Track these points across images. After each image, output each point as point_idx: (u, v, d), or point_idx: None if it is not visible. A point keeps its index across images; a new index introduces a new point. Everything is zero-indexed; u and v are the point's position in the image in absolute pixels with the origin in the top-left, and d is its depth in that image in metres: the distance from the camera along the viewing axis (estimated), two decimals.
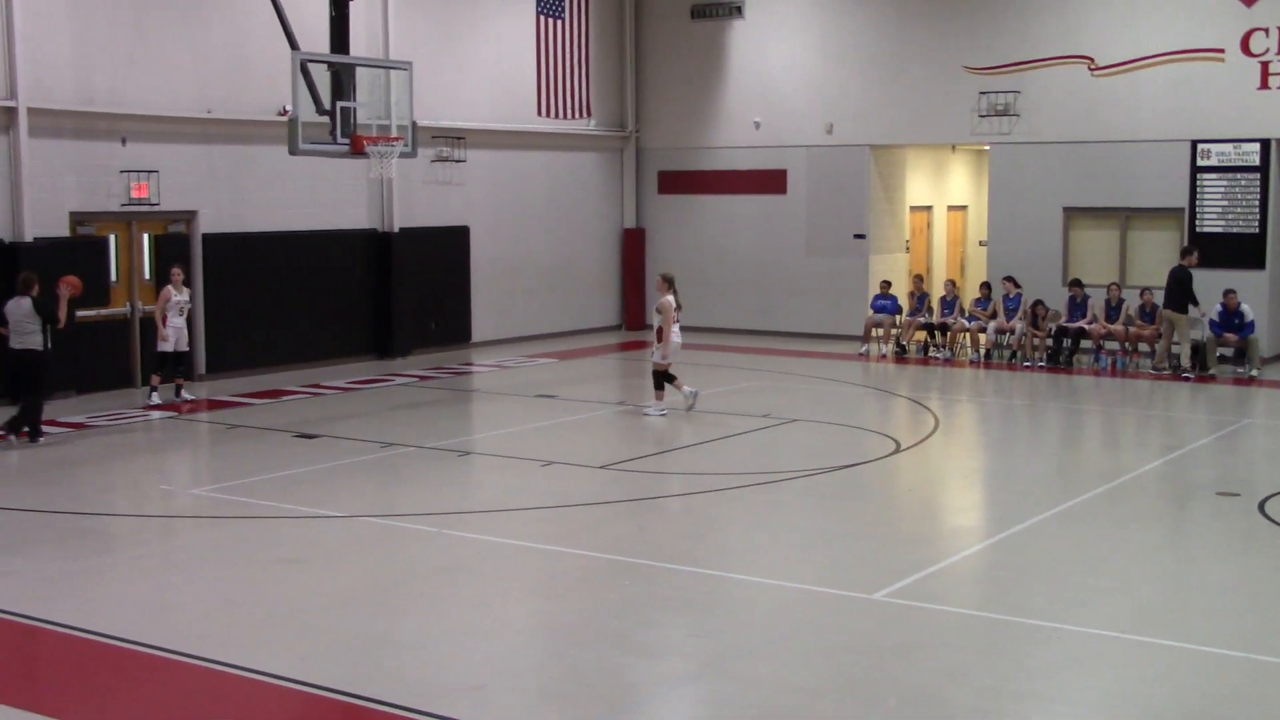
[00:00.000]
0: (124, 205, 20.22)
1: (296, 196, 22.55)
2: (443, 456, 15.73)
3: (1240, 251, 23.03)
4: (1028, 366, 22.98)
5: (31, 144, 19.03)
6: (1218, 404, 19.89)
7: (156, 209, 20.61)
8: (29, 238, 19.06)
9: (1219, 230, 23.25)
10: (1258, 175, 22.87)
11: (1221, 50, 22.98)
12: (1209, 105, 23.14)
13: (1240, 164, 23.00)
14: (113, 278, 20.47)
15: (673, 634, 9.52)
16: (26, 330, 16.33)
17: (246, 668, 8.69)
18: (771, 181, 27.55)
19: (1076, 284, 23.52)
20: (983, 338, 24.08)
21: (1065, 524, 12.61)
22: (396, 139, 18.98)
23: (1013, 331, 23.65)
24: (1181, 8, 23.34)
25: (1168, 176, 23.56)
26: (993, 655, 9.08)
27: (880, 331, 24.93)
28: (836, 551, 11.69)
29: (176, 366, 19.34)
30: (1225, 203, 23.20)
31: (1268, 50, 22.62)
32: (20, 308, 16.35)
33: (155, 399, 18.97)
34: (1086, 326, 23.14)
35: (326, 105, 18.47)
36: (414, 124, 19.52)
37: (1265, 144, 22.77)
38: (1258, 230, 22.98)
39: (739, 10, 27.57)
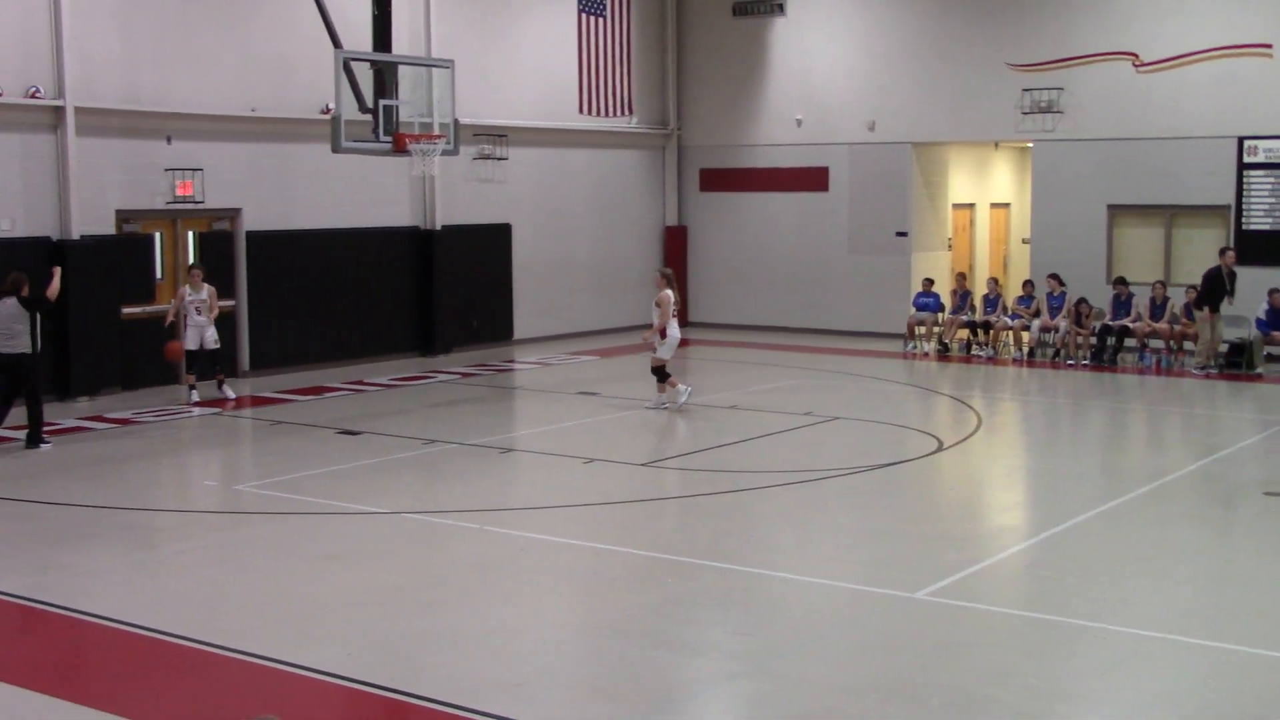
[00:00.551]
0: (169, 203, 20.37)
1: (339, 194, 22.67)
2: (485, 453, 15.77)
3: None
4: (1071, 365, 22.83)
5: (79, 143, 19.19)
6: (1264, 403, 19.71)
7: (201, 207, 20.76)
8: (76, 235, 19.22)
9: (1266, 227, 23.03)
10: None
11: (1269, 45, 22.74)
12: (1256, 101, 22.92)
13: None
14: (158, 275, 20.63)
15: (714, 632, 9.52)
16: (14, 333, 15.88)
17: (290, 663, 8.75)
18: (813, 179, 27.48)
19: (1121, 282, 23.35)
20: (1026, 336, 23.94)
21: (1109, 523, 12.52)
22: (438, 137, 19.04)
23: (1056, 330, 23.50)
24: (1228, 2, 23.13)
25: (1214, 173, 23.35)
26: (1036, 655, 9.03)
27: (923, 329, 24.83)
28: (878, 550, 11.65)
29: (212, 365, 19.40)
30: (1273, 199, 22.97)
31: None
32: (5, 309, 15.89)
33: (195, 396, 19.03)
34: (1131, 325, 22.97)
35: (369, 103, 18.54)
36: (456, 122, 19.58)
37: None
38: None
39: (781, 7, 27.51)
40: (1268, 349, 22.17)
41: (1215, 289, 21.73)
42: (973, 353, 24.27)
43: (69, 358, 19.20)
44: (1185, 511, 13.15)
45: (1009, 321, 24.17)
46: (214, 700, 8.34)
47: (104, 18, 19.55)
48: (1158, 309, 22.89)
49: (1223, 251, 22.15)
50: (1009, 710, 8.05)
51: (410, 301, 24.03)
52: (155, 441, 16.71)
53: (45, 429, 16.17)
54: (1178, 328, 22.56)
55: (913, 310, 25.22)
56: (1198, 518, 13.04)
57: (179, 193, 20.39)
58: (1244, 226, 23.17)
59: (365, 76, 18.65)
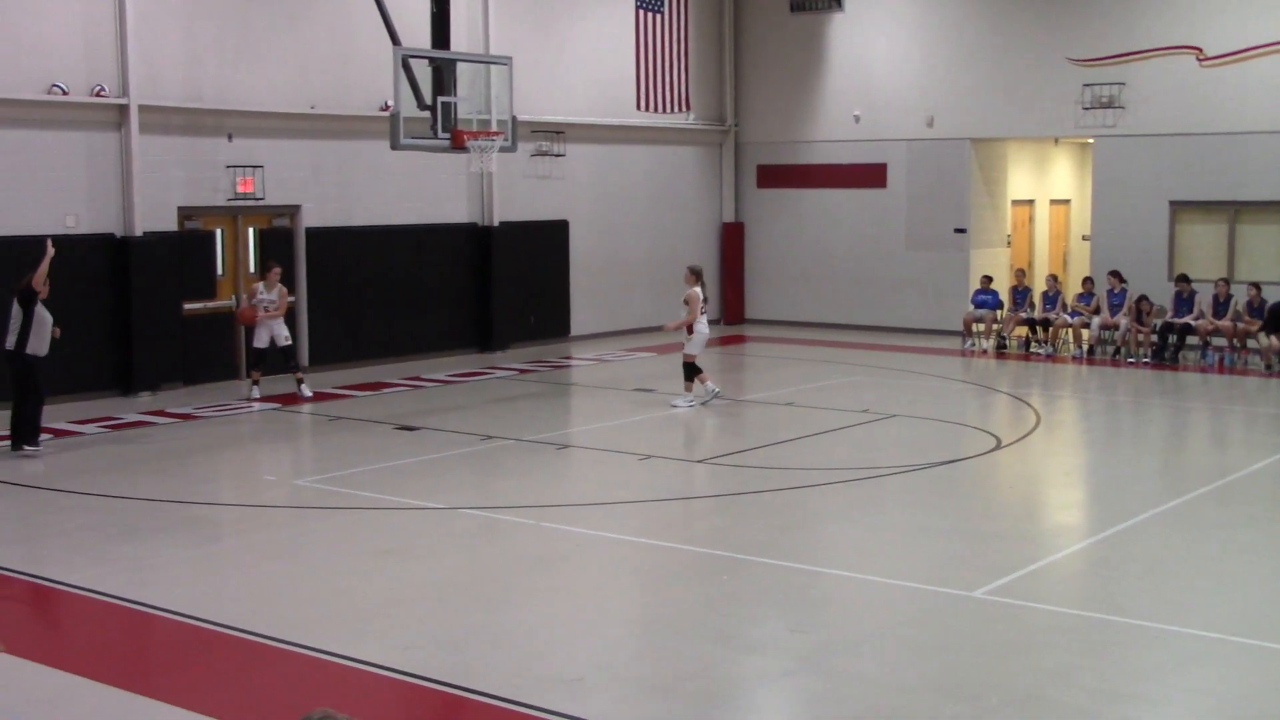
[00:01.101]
0: (230, 200, 20.57)
1: (398, 191, 22.80)
2: (542, 450, 15.82)
3: None
4: (1132, 363, 22.62)
5: (142, 140, 19.40)
6: None
7: (261, 203, 20.94)
8: (139, 232, 19.43)
9: None
10: None
11: None
12: None
13: None
14: (219, 271, 20.83)
15: (770, 629, 9.50)
16: (8, 329, 15.38)
17: (349, 657, 8.81)
18: (871, 175, 27.36)
19: (1183, 279, 23.10)
20: (1085, 333, 23.75)
21: (1170, 523, 12.40)
22: (496, 134, 19.09)
23: (1117, 327, 23.29)
24: None
25: (1279, 169, 23.06)
26: (1096, 655, 8.96)
27: (981, 327, 24.68)
28: (936, 548, 11.59)
29: (286, 362, 19.44)
30: None
31: None
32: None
33: (256, 393, 19.13)
34: (1193, 322, 22.72)
35: (428, 100, 18.62)
36: (514, 118, 19.63)
37: None
38: None
39: (838, 3, 27.40)
40: None
41: (1274, 321, 21.53)
42: (1031, 350, 24.09)
43: (131, 353, 19.41)
44: (1248, 512, 12.99)
45: (1068, 319, 23.98)
46: (272, 693, 8.42)
47: (167, 17, 19.75)
48: (1220, 306, 22.64)
49: None
50: (1069, 710, 7.99)
51: (468, 298, 24.13)
52: (216, 436, 16.87)
53: (94, 424, 16.26)
54: (1241, 325, 22.30)
55: (971, 307, 25.06)
56: (1262, 519, 12.88)
57: (240, 190, 20.58)
58: None
59: (424, 73, 18.73)
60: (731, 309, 28.98)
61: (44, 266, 15.21)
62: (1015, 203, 28.04)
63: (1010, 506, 13.72)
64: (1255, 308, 22.27)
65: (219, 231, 20.85)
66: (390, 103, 19.06)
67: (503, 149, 19.47)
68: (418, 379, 21.09)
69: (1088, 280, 24.37)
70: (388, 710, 8.23)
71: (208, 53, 20.26)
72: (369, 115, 21.82)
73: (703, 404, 18.20)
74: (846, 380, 20.91)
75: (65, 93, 18.68)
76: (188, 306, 20.18)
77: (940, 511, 12.96)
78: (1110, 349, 23.44)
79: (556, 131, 24.93)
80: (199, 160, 20.22)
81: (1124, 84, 24.35)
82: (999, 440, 16.28)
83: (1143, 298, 23.08)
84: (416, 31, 20.05)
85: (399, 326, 22.90)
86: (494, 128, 19.13)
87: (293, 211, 21.53)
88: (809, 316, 28.00)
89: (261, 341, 19.15)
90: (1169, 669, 8.70)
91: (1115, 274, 23.66)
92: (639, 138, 27.14)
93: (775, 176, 28.71)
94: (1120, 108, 24.41)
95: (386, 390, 20.13)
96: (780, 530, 12.22)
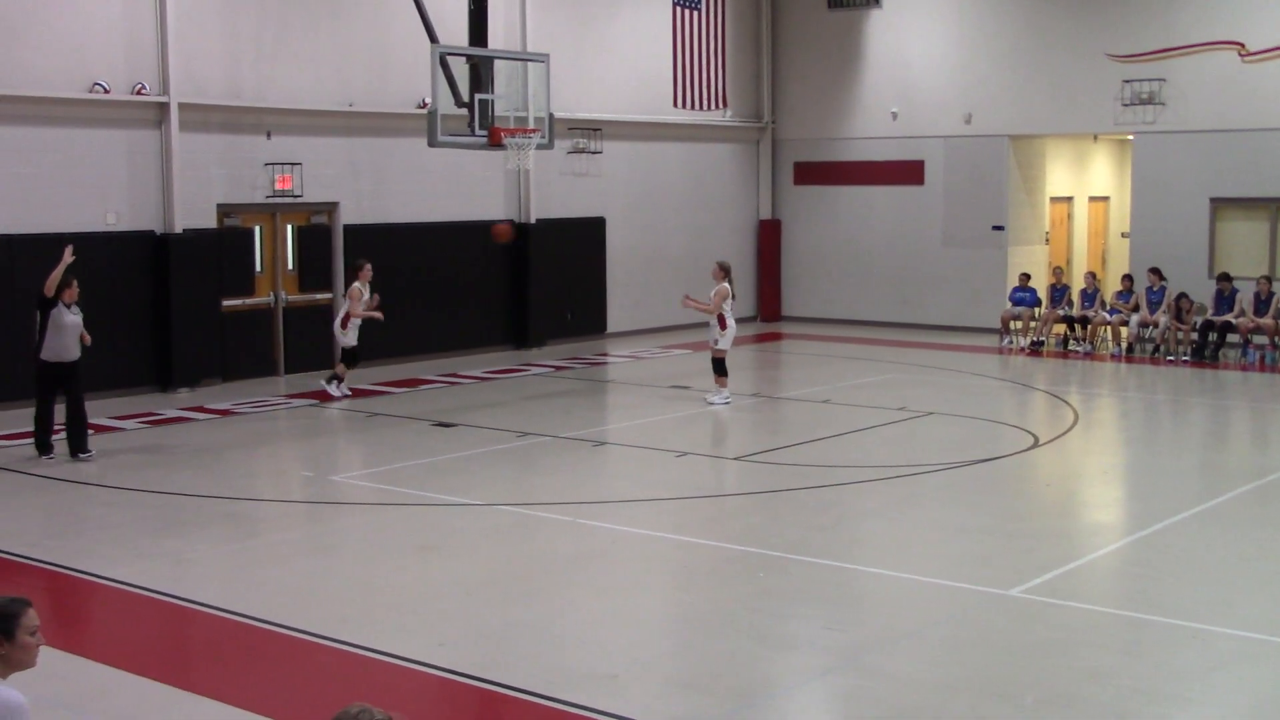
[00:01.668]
0: (268, 197, 20.67)
1: (435, 188, 22.86)
2: (578, 446, 15.84)
3: None
4: (1171, 361, 22.48)
5: (182, 138, 19.52)
6: None
7: (300, 200, 21.04)
8: (178, 229, 19.57)
9: None
10: None
11: None
12: None
13: None
14: (258, 268, 20.94)
15: (806, 626, 9.49)
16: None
17: (386, 652, 8.85)
18: (909, 172, 27.27)
19: (1224, 278, 22.93)
20: (1124, 331, 23.60)
21: (1209, 523, 12.31)
22: (534, 131, 19.13)
23: (1156, 325, 23.14)
24: None
25: None
26: (1134, 655, 8.91)
27: (1019, 324, 24.56)
28: (973, 546, 11.55)
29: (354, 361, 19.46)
30: None
31: None
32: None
33: (336, 391, 19.00)
34: (1234, 320, 22.56)
35: (465, 98, 18.67)
36: (551, 116, 19.67)
37: None
38: None
39: (877, 0, 27.33)
40: None
41: None
42: (1070, 348, 23.97)
43: (170, 349, 19.54)
44: None
45: (1107, 316, 23.84)
46: (309, 687, 8.47)
47: (206, 15, 19.87)
48: (1262, 304, 22.46)
49: None
50: (1106, 710, 7.95)
51: (504, 295, 24.18)
52: (254, 432, 16.97)
53: (133, 420, 16.15)
54: None
55: (1009, 305, 24.95)
56: None
57: (278, 187, 20.68)
58: None
59: (461, 71, 18.79)
60: (768, 306, 28.94)
61: (56, 272, 14.58)
62: (1054, 200, 27.89)
63: (1047, 505, 13.65)
64: None
65: (258, 229, 20.96)
66: (428, 100, 19.12)
67: (540, 146, 19.52)
68: (454, 375, 21.15)
69: (1127, 278, 24.21)
70: (424, 705, 8.27)
71: (247, 50, 20.38)
72: (407, 113, 21.90)
73: (718, 402, 18.17)
74: (883, 378, 20.85)
75: (107, 91, 18.83)
76: (226, 303, 20.30)
77: (977, 510, 12.91)
78: (1149, 347, 23.29)
79: (593, 129, 24.95)
80: (238, 158, 20.34)
81: (1164, 80, 24.18)
82: (1037, 438, 16.20)
83: (1182, 295, 22.93)
84: (454, 29, 20.11)
85: (436, 323, 22.97)
86: (531, 125, 19.17)
87: (331, 209, 21.63)
88: (846, 314, 27.93)
89: (353, 340, 19.12)
90: (1206, 669, 8.64)
91: (1155, 271, 23.51)
92: (676, 135, 27.13)
93: (812, 173, 28.65)
94: (1160, 104, 24.24)
95: (423, 387, 20.20)
96: (816, 528, 12.20)
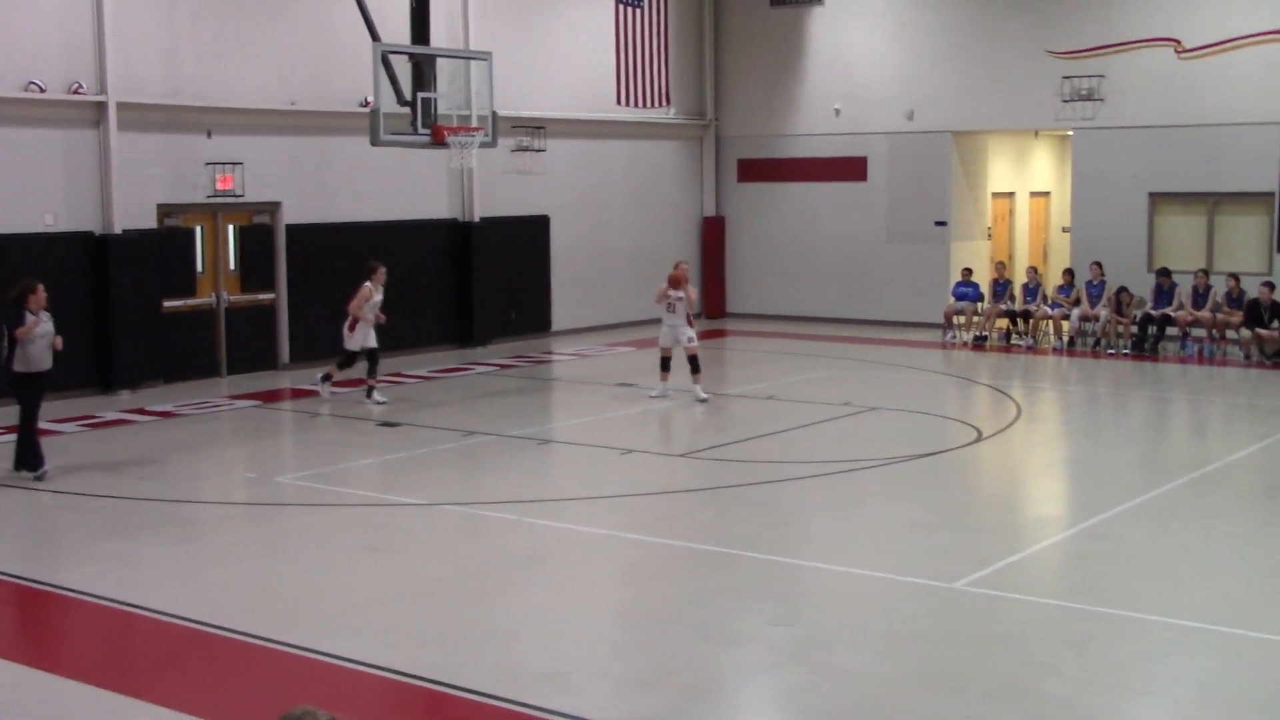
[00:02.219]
0: (209, 197, 20.50)
1: (378, 187, 22.75)
2: (524, 445, 15.82)
3: None
4: (1112, 354, 22.71)
5: (121, 137, 19.33)
6: None
7: (241, 200, 20.88)
8: (118, 230, 19.37)
9: None
10: None
11: None
12: None
13: None
14: (199, 269, 20.76)
15: (754, 623, 9.52)
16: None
17: (334, 654, 8.80)
18: (852, 169, 27.40)
19: (1164, 273, 23.19)
20: (1066, 325, 23.83)
21: (1151, 514, 12.46)
22: (477, 129, 19.09)
23: (1097, 319, 23.37)
24: None
25: (1258, 161, 23.15)
26: (1078, 646, 9.00)
27: (961, 319, 24.74)
28: (917, 540, 11.63)
29: (374, 367, 18.55)
30: None
31: None
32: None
33: (326, 392, 18.63)
34: (1172, 313, 22.81)
35: (408, 96, 18.61)
36: (494, 114, 19.64)
37: None
38: None
39: None
40: None
41: (1254, 317, 21.67)
42: (1012, 342, 24.17)
43: (110, 351, 19.34)
44: (1228, 502, 13.06)
45: (1049, 310, 24.06)
46: (256, 691, 8.40)
47: (145, 13, 19.67)
48: (1200, 298, 22.73)
49: (1262, 285, 21.96)
50: (1050, 701, 8.02)
51: (449, 294, 24.10)
52: (197, 434, 16.83)
53: (74, 423, 15.15)
54: (1220, 316, 22.41)
55: (951, 299, 25.13)
56: (1241, 508, 12.96)
57: (219, 187, 20.52)
58: None
59: (404, 69, 18.72)
60: (713, 303, 29.00)
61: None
62: (995, 195, 28.10)
63: (991, 498, 13.77)
64: (1234, 299, 22.38)
65: (199, 229, 20.78)
66: (370, 99, 19.04)
67: (483, 144, 19.50)
68: (399, 375, 21.06)
69: (1068, 272, 24.45)
70: (372, 707, 8.23)
71: (186, 49, 20.20)
72: (349, 111, 21.78)
73: (755, 400, 18.15)
74: (828, 373, 20.94)
75: (43, 90, 18.61)
76: (167, 304, 20.12)
77: (922, 504, 12.99)
78: (1090, 340, 23.53)
79: (537, 127, 24.91)
80: (178, 157, 20.16)
81: (1103, 76, 24.42)
82: (980, 432, 16.33)
83: (1122, 289, 23.18)
84: (396, 27, 20.02)
85: (380, 323, 22.78)
86: (474, 123, 19.15)
87: (273, 208, 21.48)
88: (790, 310, 28.04)
89: (357, 344, 18.43)
90: (1150, 659, 8.74)
91: (1095, 266, 23.75)
92: (619, 133, 27.13)
93: (756, 170, 28.74)
94: (1100, 100, 24.49)
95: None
96: (763, 524, 12.24)
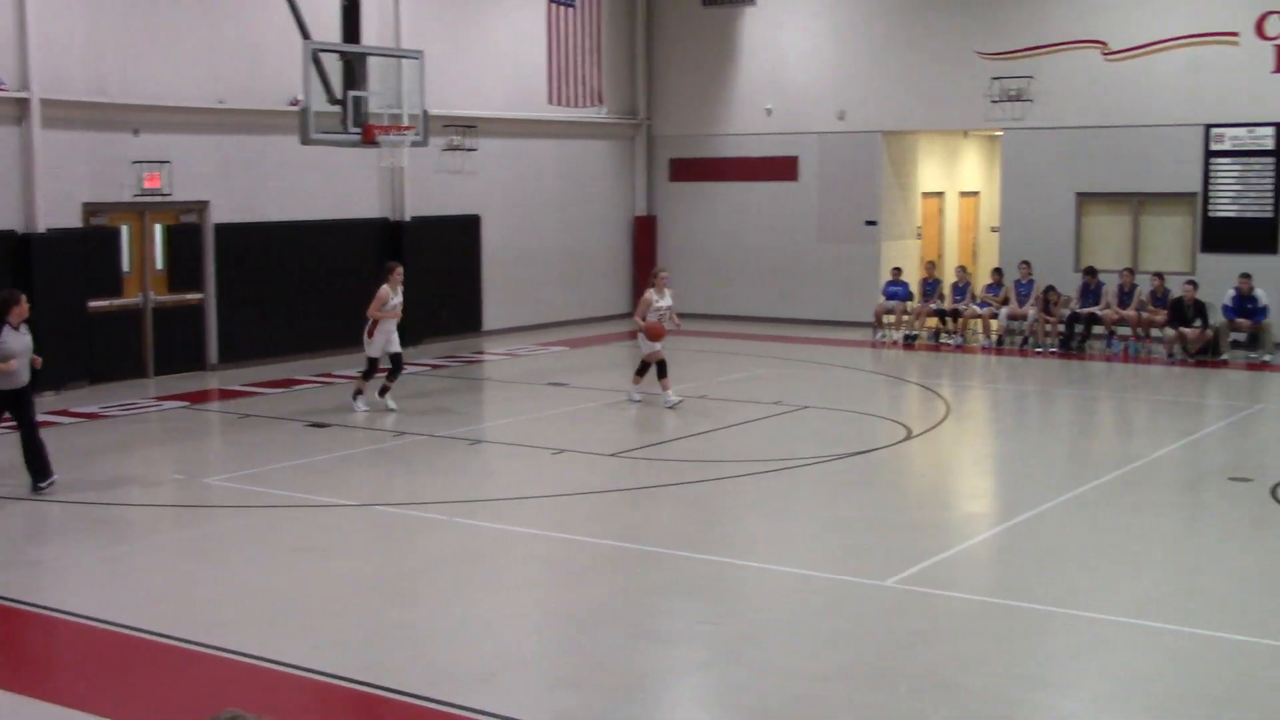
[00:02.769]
0: (136, 196, 20.25)
1: (308, 186, 22.58)
2: (454, 445, 15.76)
3: (1253, 236, 22.97)
4: (1040, 352, 22.95)
5: (44, 135, 19.06)
6: (1231, 389, 19.85)
7: (169, 199, 20.64)
8: (42, 229, 19.10)
9: (1232, 215, 23.20)
10: (1272, 159, 22.80)
11: (1236, 34, 22.89)
12: (1223, 89, 23.06)
13: (1254, 148, 22.93)
14: (125, 268, 20.50)
15: (685, 621, 9.54)
16: None
17: (262, 657, 8.73)
18: (783, 168, 27.51)
19: (1090, 272, 23.48)
20: (994, 324, 24.05)
21: (1078, 510, 12.60)
22: (408, 128, 19.00)
23: (1025, 318, 23.61)
24: None
25: (1181, 161, 23.49)
26: (1005, 641, 9.09)
27: (892, 318, 24.92)
28: (848, 538, 11.70)
29: (396, 371, 17.94)
30: (1239, 187, 23.13)
31: None
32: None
33: (361, 407, 17.53)
34: (1099, 312, 23.09)
35: (338, 95, 18.48)
36: (425, 113, 19.54)
37: (1279, 128, 22.68)
38: (1271, 214, 22.91)
39: None
40: (1234, 335, 22.33)
41: (1178, 316, 21.99)
42: (941, 341, 24.37)
43: (35, 352, 19.00)
44: (1153, 498, 13.23)
45: (978, 309, 24.29)
46: (184, 695, 8.31)
47: (70, 8, 19.40)
48: (1125, 296, 23.03)
49: (1185, 284, 22.29)
50: (978, 696, 8.09)
51: None
52: (123, 436, 16.63)
53: None
54: (1145, 315, 22.71)
55: (882, 299, 25.29)
56: (1165, 504, 13.13)
57: (146, 185, 20.27)
58: (1210, 214, 23.33)
59: (334, 67, 18.58)
60: None
61: None
62: (925, 195, 28.31)
63: (921, 496, 13.88)
64: (1159, 297, 22.69)
65: (125, 228, 20.52)
66: (300, 97, 18.88)
67: (414, 144, 19.41)
68: (329, 375, 20.90)
69: (996, 271, 24.68)
70: (301, 710, 8.17)
71: (112, 45, 19.94)
72: (279, 110, 21.58)
73: (634, 400, 18.11)
74: (759, 372, 21.02)
75: None
76: (93, 304, 19.84)
77: (852, 502, 13.08)
78: (1018, 339, 23.77)
79: (468, 126, 24.81)
80: (104, 155, 19.89)
81: (1031, 78, 24.67)
82: (910, 430, 16.45)
83: (1050, 288, 23.43)
84: (327, 25, 19.84)
85: (310, 323, 22.67)
86: (405, 122, 19.04)
87: (201, 207, 21.25)
88: (722, 309, 28.10)
89: (378, 350, 17.58)
90: (1075, 653, 8.84)
91: (1024, 265, 24.01)
92: (551, 132, 27.09)
93: (688, 170, 28.79)
94: (1028, 101, 24.74)
95: (297, 387, 19.95)
96: (694, 523, 12.27)
